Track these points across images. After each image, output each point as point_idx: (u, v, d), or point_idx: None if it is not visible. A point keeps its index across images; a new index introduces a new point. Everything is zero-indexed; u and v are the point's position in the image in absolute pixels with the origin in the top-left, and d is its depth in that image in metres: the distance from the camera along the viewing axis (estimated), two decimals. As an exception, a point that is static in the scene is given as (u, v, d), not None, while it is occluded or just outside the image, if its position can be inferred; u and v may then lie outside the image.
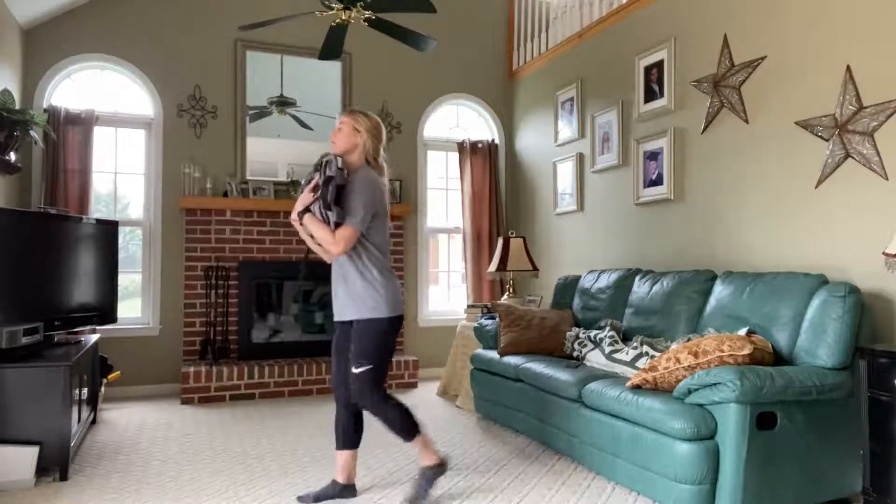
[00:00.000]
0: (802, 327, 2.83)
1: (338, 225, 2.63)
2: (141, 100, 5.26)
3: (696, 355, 2.71)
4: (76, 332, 4.20)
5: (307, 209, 2.69)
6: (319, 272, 5.51)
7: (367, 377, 2.68)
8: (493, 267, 5.19)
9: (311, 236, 2.75)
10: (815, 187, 3.22)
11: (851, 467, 2.70)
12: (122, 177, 5.25)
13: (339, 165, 2.65)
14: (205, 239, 5.18)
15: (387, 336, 2.72)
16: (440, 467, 2.81)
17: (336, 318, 2.81)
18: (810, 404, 2.61)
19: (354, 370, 2.68)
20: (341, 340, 2.83)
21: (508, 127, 6.32)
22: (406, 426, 2.73)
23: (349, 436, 2.83)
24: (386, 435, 3.87)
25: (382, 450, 3.59)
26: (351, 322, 2.76)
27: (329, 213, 2.63)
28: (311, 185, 2.68)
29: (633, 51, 4.52)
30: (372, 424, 4.12)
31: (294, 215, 2.73)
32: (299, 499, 2.80)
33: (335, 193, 2.63)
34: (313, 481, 3.05)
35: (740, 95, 3.64)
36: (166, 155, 5.23)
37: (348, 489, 2.83)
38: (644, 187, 4.40)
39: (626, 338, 3.78)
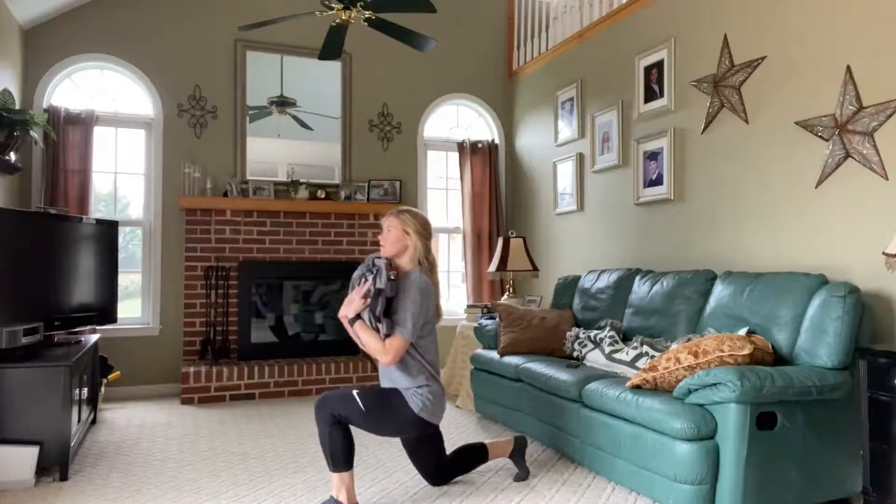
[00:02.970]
0: (802, 327, 2.83)
1: (387, 335, 2.61)
2: (141, 100, 5.26)
3: (696, 355, 2.71)
4: (76, 332, 4.20)
5: (358, 316, 2.65)
6: (319, 272, 5.54)
7: (350, 405, 2.62)
8: (493, 267, 5.19)
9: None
10: (815, 187, 3.22)
11: (851, 467, 2.70)
12: (122, 177, 5.25)
13: (391, 277, 2.61)
14: (205, 239, 5.18)
15: (402, 423, 2.70)
16: None
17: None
18: (810, 404, 2.61)
19: (354, 392, 2.65)
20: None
21: (508, 127, 6.32)
22: (343, 455, 2.61)
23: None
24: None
25: (383, 449, 3.59)
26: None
27: (379, 324, 2.60)
28: (363, 290, 2.62)
29: (633, 51, 4.52)
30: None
31: (344, 313, 2.67)
32: None
33: (385, 306, 2.60)
34: (313, 481, 3.05)
35: (740, 95, 3.64)
36: (166, 155, 5.23)
37: None
38: (644, 187, 4.40)
39: (626, 338, 3.78)
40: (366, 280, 2.65)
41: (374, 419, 2.68)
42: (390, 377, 2.77)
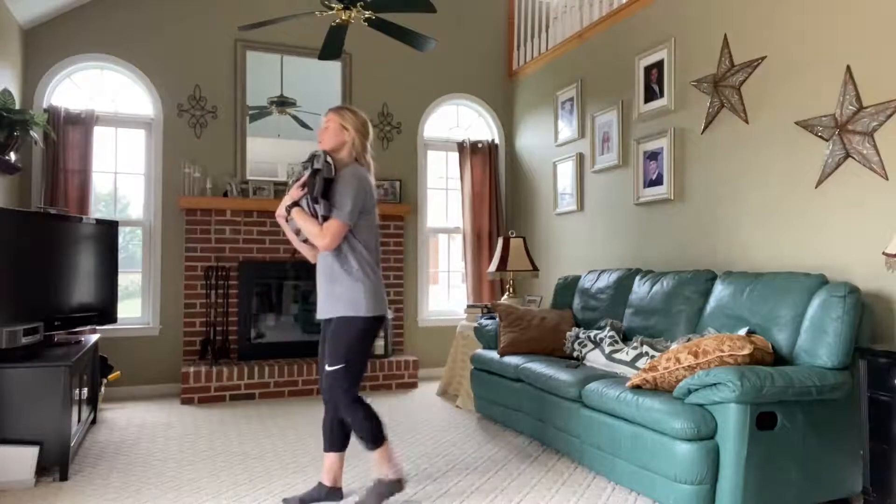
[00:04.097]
0: (802, 327, 2.83)
1: (325, 218, 2.61)
2: (141, 100, 5.26)
3: (696, 355, 2.71)
4: (76, 332, 4.20)
5: (296, 203, 2.69)
6: (315, 272, 5.53)
7: (339, 376, 2.63)
8: (493, 267, 5.19)
9: (297, 233, 2.75)
10: (815, 187, 3.22)
11: (851, 467, 2.70)
12: (122, 177, 5.25)
13: (327, 159, 2.66)
14: (205, 239, 5.18)
15: (363, 336, 2.66)
16: (397, 484, 2.70)
17: (318, 316, 2.76)
18: (810, 404, 2.61)
19: (328, 367, 2.66)
20: (325, 339, 2.80)
21: (508, 127, 6.32)
22: (373, 433, 2.65)
23: (335, 437, 2.78)
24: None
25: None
26: (331, 320, 2.72)
27: (317, 206, 2.62)
28: (301, 181, 2.68)
29: (633, 51, 4.52)
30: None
31: (280, 210, 2.73)
32: (284, 501, 2.76)
33: (322, 186, 2.62)
34: (313, 481, 3.05)
35: (740, 95, 3.64)
36: (166, 155, 5.23)
37: (334, 492, 2.77)
38: (644, 187, 4.40)
39: (626, 338, 3.78)
40: (303, 175, 2.70)
41: (361, 359, 2.68)
42: (329, 271, 2.69)
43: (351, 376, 2.65)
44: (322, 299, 2.73)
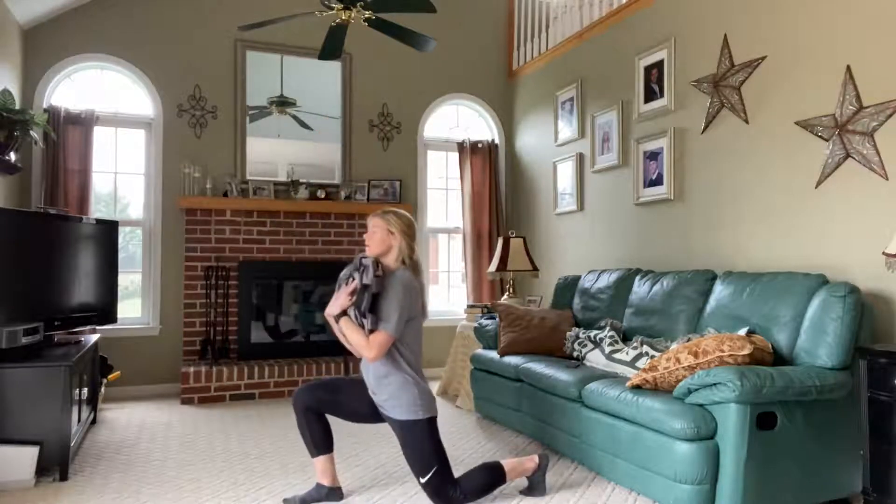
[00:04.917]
0: (802, 327, 2.83)
1: (372, 331, 2.62)
2: (141, 100, 5.26)
3: (696, 355, 2.71)
4: (76, 332, 4.20)
5: (344, 312, 2.68)
6: (319, 272, 5.54)
7: (438, 479, 2.67)
8: (493, 267, 5.19)
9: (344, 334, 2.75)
10: (815, 187, 3.22)
11: (851, 467, 2.70)
12: (122, 177, 5.25)
13: (377, 273, 2.65)
14: (205, 239, 5.18)
15: (431, 434, 2.69)
16: (541, 467, 2.90)
17: (374, 400, 2.78)
18: (810, 404, 2.61)
19: (423, 480, 2.68)
20: (359, 393, 2.83)
21: (508, 127, 6.32)
22: (495, 478, 2.77)
23: (318, 441, 2.79)
24: (383, 432, 3.87)
25: (383, 450, 3.59)
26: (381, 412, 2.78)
27: (364, 319, 2.63)
28: (350, 288, 2.65)
29: (633, 51, 4.52)
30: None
31: (329, 312, 2.71)
32: (285, 501, 2.79)
33: (370, 301, 2.63)
34: (313, 481, 3.05)
35: (740, 95, 3.64)
36: (166, 155, 5.23)
37: (334, 492, 2.81)
38: (644, 187, 4.40)
39: (626, 338, 3.78)
40: (353, 279, 2.69)
41: (440, 449, 2.73)
42: (379, 375, 2.73)
43: (444, 472, 2.69)
44: (380, 395, 2.75)
